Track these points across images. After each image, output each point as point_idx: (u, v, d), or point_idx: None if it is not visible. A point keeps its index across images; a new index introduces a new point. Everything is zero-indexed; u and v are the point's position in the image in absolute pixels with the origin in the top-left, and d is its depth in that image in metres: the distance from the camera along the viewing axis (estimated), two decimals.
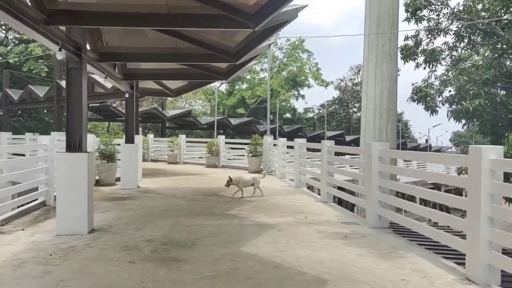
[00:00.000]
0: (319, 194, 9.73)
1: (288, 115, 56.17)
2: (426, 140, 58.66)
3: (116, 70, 9.39)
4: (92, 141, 11.79)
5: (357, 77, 60.27)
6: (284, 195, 10.11)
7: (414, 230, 5.85)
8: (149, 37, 8.61)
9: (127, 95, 10.14)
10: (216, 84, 41.92)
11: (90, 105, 26.60)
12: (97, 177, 11.87)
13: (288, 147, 13.94)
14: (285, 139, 14.04)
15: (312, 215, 7.68)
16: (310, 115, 61.07)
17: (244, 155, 16.96)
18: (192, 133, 48.57)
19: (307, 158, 11.31)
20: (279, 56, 51.85)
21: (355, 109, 60.28)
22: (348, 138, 42.66)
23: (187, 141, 20.36)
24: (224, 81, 9.63)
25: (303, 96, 56.82)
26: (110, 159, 11.74)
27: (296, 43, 47.95)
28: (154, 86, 15.01)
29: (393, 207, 6.63)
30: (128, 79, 10.12)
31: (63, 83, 21.57)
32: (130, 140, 11.05)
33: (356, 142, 43.90)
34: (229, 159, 18.38)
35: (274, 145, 15.47)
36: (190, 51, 8.31)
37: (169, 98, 54.11)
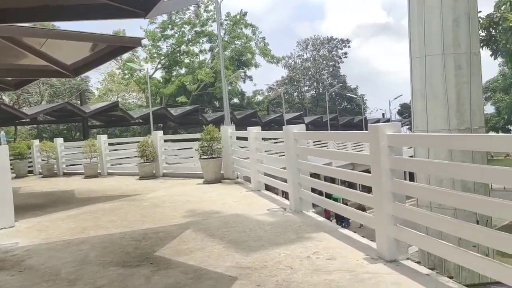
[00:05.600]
0: (375, 239, 4.67)
1: (236, 100, 50.50)
2: (383, 115, 55.93)
3: None
4: None
5: (305, 53, 55.94)
6: (288, 242, 4.99)
7: None
8: None
9: None
10: (146, 68, 35.53)
11: None
12: None
13: (264, 139, 8.80)
14: (259, 127, 8.83)
15: None
16: (260, 98, 55.62)
17: (192, 157, 11.58)
18: (128, 131, 41.92)
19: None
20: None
21: (307, 87, 55.93)
22: (307, 119, 38.20)
23: (109, 144, 14.51)
24: (144, 18, 4.00)
25: (250, 78, 51.43)
26: None
27: (238, 17, 42.49)
28: (37, 61, 9.20)
29: None
30: None
31: None
32: None
33: (316, 124, 39.54)
34: (173, 164, 12.84)
35: (238, 138, 10.23)
36: None
37: (96, 94, 47.02)
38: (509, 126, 28.43)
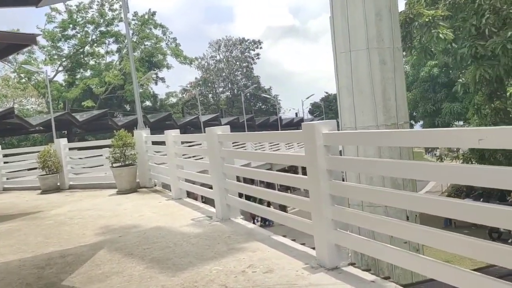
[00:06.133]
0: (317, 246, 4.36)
1: (148, 102, 48.46)
2: (296, 114, 57.59)
3: None
4: None
5: (218, 54, 55.64)
6: (219, 255, 4.54)
7: None
8: None
9: None
10: (46, 71, 32.62)
11: None
12: None
13: (184, 143, 8.23)
14: (177, 130, 8.21)
15: None
16: (174, 100, 54.04)
17: (103, 165, 10.60)
18: (27, 140, 38.11)
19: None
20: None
21: (221, 89, 55.63)
22: (224, 121, 37.94)
23: (4, 155, 12.81)
24: (36, 6, 3.21)
25: (163, 79, 49.70)
26: None
27: (146, 16, 40.79)
28: None
29: None
30: None
31: None
32: None
33: (233, 125, 39.38)
34: (81, 174, 11.66)
35: (154, 143, 9.53)
36: None
37: None
38: (412, 121, 31.15)
